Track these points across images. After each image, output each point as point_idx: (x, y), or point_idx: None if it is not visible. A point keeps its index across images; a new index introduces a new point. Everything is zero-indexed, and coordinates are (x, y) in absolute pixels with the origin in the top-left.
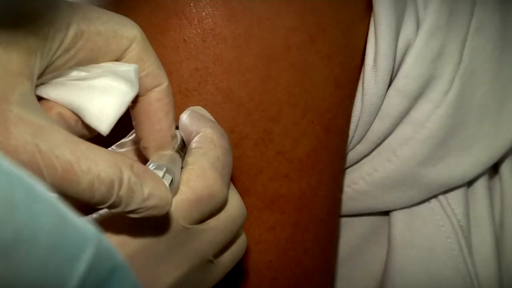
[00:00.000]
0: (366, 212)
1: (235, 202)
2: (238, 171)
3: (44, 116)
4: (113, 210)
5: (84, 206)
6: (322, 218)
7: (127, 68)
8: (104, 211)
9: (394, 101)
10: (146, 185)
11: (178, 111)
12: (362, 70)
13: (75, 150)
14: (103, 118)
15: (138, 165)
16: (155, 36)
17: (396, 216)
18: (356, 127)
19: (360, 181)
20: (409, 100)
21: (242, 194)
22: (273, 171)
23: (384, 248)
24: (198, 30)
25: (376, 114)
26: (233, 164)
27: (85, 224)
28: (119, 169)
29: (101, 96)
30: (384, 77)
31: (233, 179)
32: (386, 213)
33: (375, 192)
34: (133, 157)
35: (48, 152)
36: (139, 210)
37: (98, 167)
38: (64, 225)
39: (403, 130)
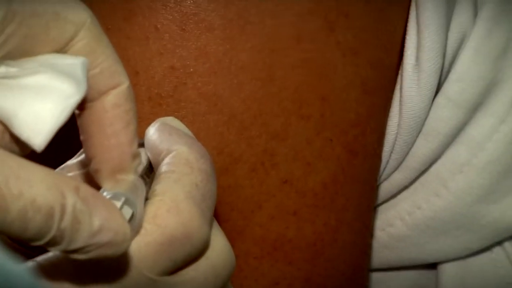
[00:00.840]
0: (406, 264)
1: (219, 245)
2: (227, 206)
3: None
4: (53, 249)
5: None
6: (345, 272)
7: (72, 62)
8: (49, 254)
9: (444, 113)
10: (96, 214)
11: (145, 123)
12: (400, 70)
13: (1, 167)
14: (37, 128)
15: (85, 188)
16: (116, 23)
17: (447, 270)
18: (392, 148)
19: (398, 222)
20: (465, 112)
21: (234, 237)
22: (276, 207)
23: None
24: (175, 14)
25: (419, 131)
26: (221, 197)
27: (18, 275)
28: (60, 193)
29: (36, 99)
30: (430, 80)
31: (220, 217)
32: (433, 266)
33: (418, 237)
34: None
35: None
36: (87, 249)
37: (33, 189)
38: None
39: (456, 153)
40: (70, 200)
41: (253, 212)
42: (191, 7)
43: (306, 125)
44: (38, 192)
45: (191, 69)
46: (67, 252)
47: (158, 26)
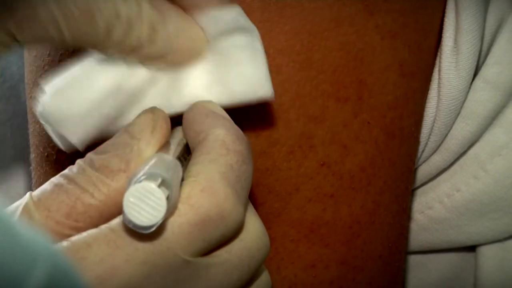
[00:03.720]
0: (445, 247)
1: (254, 227)
2: (264, 188)
3: None
4: (138, 56)
5: None
6: (381, 254)
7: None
8: (82, 234)
9: (482, 96)
10: (171, 22)
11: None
12: (439, 53)
13: None
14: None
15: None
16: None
17: (486, 253)
18: (431, 131)
19: (437, 205)
20: (503, 94)
21: (270, 220)
22: (314, 190)
23: None
24: None
25: (458, 114)
26: (259, 179)
27: (36, 242)
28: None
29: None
30: (468, 63)
31: (256, 200)
32: (472, 248)
33: (457, 220)
34: None
35: None
36: (166, 56)
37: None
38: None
39: (495, 136)
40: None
41: (291, 195)
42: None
43: (343, 108)
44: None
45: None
46: (152, 59)
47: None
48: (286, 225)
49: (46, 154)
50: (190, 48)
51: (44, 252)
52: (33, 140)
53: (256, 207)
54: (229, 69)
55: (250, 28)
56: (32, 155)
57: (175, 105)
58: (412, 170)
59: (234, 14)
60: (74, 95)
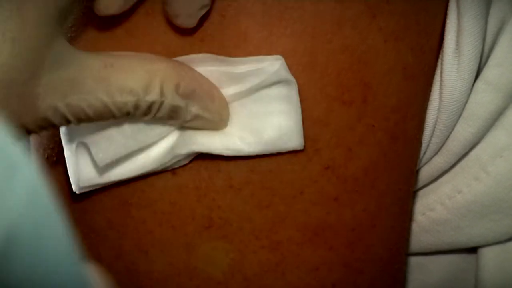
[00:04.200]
0: (446, 249)
1: None
2: (269, 191)
3: None
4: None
5: None
6: (383, 256)
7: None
8: None
9: (484, 98)
10: (194, 105)
11: None
12: (440, 55)
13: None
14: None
15: (185, 85)
16: (158, 8)
17: (487, 255)
18: (432, 132)
19: (438, 207)
20: (504, 96)
21: (276, 223)
22: (318, 193)
23: None
24: (216, 1)
25: (460, 115)
26: (263, 182)
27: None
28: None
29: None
30: (470, 64)
31: (261, 202)
32: (473, 250)
33: (458, 221)
34: None
35: None
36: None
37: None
38: None
39: (496, 138)
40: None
41: (295, 198)
42: None
43: (348, 111)
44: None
45: (231, 56)
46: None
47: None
48: (291, 228)
49: (45, 155)
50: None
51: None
52: (33, 141)
53: (261, 209)
54: (264, 119)
55: (289, 80)
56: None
57: (201, 143)
58: (414, 172)
59: (277, 67)
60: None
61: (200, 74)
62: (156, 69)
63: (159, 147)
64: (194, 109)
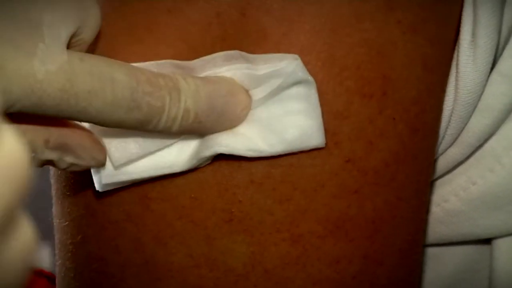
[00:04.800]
0: (460, 240)
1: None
2: (289, 185)
3: None
4: None
5: None
6: (401, 248)
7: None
8: None
9: (499, 89)
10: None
11: None
12: (456, 47)
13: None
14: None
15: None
16: (179, 6)
17: (501, 246)
18: (448, 123)
19: (452, 198)
20: None
21: (297, 217)
22: (339, 186)
23: None
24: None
25: (475, 107)
26: (284, 176)
27: None
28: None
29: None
30: (485, 56)
31: (282, 195)
32: (488, 241)
33: (472, 213)
34: None
35: None
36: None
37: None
38: None
39: (511, 130)
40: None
41: (316, 192)
42: None
43: (368, 104)
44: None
45: (252, 53)
46: None
47: (220, 11)
48: (312, 222)
49: None
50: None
51: None
52: None
53: (281, 203)
54: (284, 119)
55: (307, 79)
56: None
57: (224, 144)
58: (432, 164)
59: (293, 67)
60: None
61: (71, 128)
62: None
63: (184, 152)
64: (68, 159)
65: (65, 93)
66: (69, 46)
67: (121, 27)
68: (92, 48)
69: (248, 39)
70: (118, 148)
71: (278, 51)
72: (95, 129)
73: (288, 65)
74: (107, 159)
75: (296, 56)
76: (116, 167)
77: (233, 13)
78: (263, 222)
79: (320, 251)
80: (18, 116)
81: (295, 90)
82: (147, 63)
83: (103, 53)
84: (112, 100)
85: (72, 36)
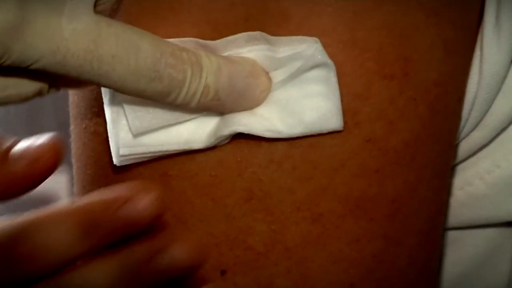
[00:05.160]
0: (484, 223)
1: None
2: (310, 164)
3: None
4: None
5: None
6: (421, 229)
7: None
8: None
9: None
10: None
11: None
12: (480, 29)
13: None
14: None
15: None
16: None
17: None
18: (472, 107)
19: (477, 181)
20: None
21: (318, 195)
22: (359, 165)
23: (506, 273)
24: None
25: (499, 90)
26: (304, 155)
27: None
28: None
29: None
30: (510, 39)
31: (302, 174)
32: (510, 224)
33: (496, 196)
34: None
35: None
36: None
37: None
38: None
39: None
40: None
41: (336, 170)
42: None
43: (389, 85)
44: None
45: (274, 35)
46: None
47: None
48: (333, 201)
49: (84, 126)
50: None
51: None
52: (72, 112)
53: (302, 182)
54: (303, 101)
55: (327, 63)
56: (71, 127)
57: (243, 123)
58: (453, 147)
59: (313, 50)
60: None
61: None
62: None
63: (203, 129)
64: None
65: (89, 54)
66: (95, 7)
67: (144, 7)
68: None
69: (270, 20)
70: (138, 116)
71: (300, 33)
72: (116, 96)
73: (308, 48)
74: (126, 129)
75: (316, 39)
76: (135, 136)
77: None
78: (283, 201)
79: (340, 230)
80: None
81: (314, 73)
82: (170, 39)
83: None
84: (134, 68)
85: None
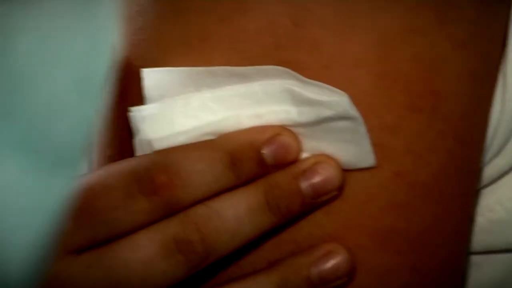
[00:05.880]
0: (504, 248)
1: None
2: (339, 198)
3: None
4: None
5: None
6: (447, 259)
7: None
8: None
9: None
10: None
11: None
12: (503, 58)
13: None
14: None
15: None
16: (231, 14)
17: None
18: (494, 134)
19: (497, 208)
20: None
21: (346, 229)
22: (388, 199)
23: None
24: (289, 8)
25: None
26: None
27: None
28: None
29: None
30: None
31: (331, 208)
32: None
33: None
34: None
35: None
36: None
37: None
38: None
39: None
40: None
41: (365, 204)
42: (303, 2)
43: (418, 118)
44: None
45: (304, 64)
46: None
47: (272, 20)
48: (361, 234)
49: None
50: None
51: None
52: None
53: (330, 216)
54: (333, 144)
55: (355, 116)
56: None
57: None
58: (478, 176)
59: (344, 104)
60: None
61: None
62: None
63: None
64: None
65: None
66: None
67: (174, 36)
68: (146, 57)
69: (301, 49)
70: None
71: (331, 63)
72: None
73: (338, 101)
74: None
75: (344, 93)
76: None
77: (286, 22)
78: (312, 234)
79: (369, 264)
80: None
81: (342, 123)
82: (200, 68)
83: (157, 60)
84: None
85: None
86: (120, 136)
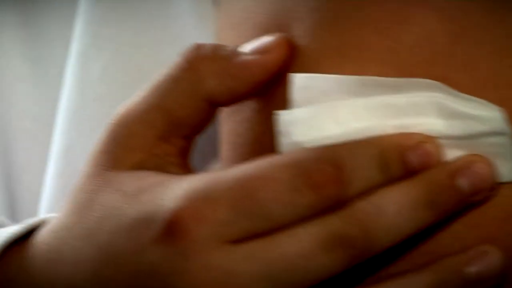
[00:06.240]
0: None
1: None
2: (480, 213)
3: None
4: None
5: None
6: None
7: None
8: None
9: None
10: None
11: None
12: None
13: None
14: None
15: None
16: (390, 27)
17: None
18: None
19: None
20: None
21: (484, 242)
22: None
23: None
24: (447, 24)
25: None
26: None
27: None
28: None
29: None
30: None
31: (472, 221)
32: None
33: None
34: None
35: None
36: None
37: None
38: None
39: None
40: None
41: (505, 220)
42: (461, 19)
43: None
44: None
45: (458, 82)
46: None
47: (429, 35)
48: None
49: None
50: None
51: None
52: None
53: (470, 229)
54: None
55: (508, 132)
56: None
57: None
58: None
59: (499, 120)
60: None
61: None
62: None
63: None
64: None
65: None
66: None
67: (330, 45)
68: (297, 63)
69: (456, 67)
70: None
71: (486, 83)
72: None
73: (492, 116)
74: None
75: (497, 107)
76: None
77: (444, 38)
78: (452, 246)
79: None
80: None
81: (495, 139)
82: (351, 76)
83: (309, 67)
84: None
85: None
86: (258, 139)
